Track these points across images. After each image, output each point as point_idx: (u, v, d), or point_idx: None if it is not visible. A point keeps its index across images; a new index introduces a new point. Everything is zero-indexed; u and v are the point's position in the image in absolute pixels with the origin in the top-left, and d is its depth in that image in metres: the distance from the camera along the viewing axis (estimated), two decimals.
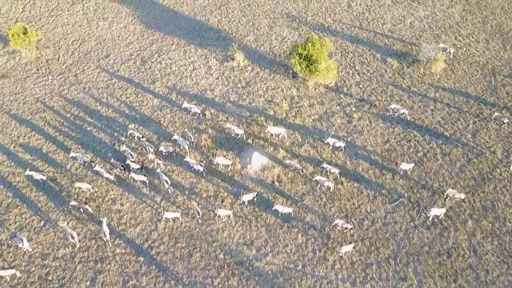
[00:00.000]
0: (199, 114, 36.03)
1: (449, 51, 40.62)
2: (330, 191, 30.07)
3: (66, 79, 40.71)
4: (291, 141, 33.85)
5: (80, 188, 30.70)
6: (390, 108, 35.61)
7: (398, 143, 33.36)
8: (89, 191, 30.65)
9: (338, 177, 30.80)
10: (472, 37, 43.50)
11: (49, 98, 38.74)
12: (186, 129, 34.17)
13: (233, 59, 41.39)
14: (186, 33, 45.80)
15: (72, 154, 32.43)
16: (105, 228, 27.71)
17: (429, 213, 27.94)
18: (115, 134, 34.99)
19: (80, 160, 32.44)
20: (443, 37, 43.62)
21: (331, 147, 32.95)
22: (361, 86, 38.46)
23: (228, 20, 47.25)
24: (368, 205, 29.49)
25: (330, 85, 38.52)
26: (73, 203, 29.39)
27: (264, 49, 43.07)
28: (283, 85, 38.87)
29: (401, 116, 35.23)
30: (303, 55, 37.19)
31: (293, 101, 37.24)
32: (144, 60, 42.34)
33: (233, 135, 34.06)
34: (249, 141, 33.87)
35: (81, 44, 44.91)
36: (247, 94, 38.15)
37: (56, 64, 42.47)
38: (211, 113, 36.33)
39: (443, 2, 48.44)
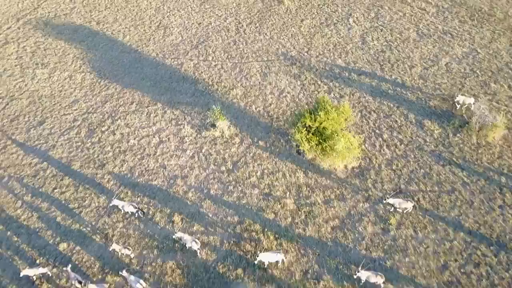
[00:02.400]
0: (135, 213, 24.81)
1: (469, 103, 30.26)
2: None
3: None
4: (302, 269, 22.59)
5: None
6: (388, 203, 24.82)
7: (462, 269, 22.30)
8: None
9: None
10: None
11: None
12: (113, 243, 22.96)
13: (214, 125, 30.10)
14: (152, 84, 34.33)
15: None
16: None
17: None
18: (38, 260, 23.39)
19: None
20: (493, 85, 32.91)
21: (363, 282, 21.80)
22: (394, 167, 27.39)
23: (207, 64, 35.89)
24: None
25: (351, 166, 27.44)
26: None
27: (256, 108, 31.80)
28: (285, 167, 27.64)
29: (405, 212, 24.42)
30: (313, 128, 26.14)
31: (301, 195, 26.01)
32: (92, 129, 30.75)
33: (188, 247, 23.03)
34: (239, 271, 22.55)
35: (8, 104, 33.14)
36: (234, 183, 26.83)
37: None
38: (181, 219, 24.95)
39: (482, 35, 37.72)
